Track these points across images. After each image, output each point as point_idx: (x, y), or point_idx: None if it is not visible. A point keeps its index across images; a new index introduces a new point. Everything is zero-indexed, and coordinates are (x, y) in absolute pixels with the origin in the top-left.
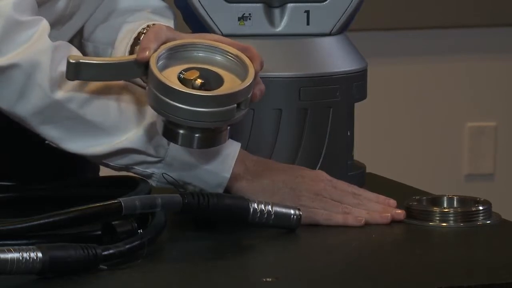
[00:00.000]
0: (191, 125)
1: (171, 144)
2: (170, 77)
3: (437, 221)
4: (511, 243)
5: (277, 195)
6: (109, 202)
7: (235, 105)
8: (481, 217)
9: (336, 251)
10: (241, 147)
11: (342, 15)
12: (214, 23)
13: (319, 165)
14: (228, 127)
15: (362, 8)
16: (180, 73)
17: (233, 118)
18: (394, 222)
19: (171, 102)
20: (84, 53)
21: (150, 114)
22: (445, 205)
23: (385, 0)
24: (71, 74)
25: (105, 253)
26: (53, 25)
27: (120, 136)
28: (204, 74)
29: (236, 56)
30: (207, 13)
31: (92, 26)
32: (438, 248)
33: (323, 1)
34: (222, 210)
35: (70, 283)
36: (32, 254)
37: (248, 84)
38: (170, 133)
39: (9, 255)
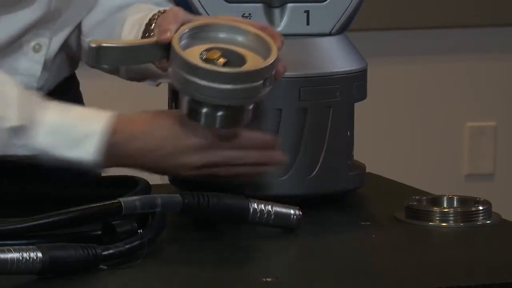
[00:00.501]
0: (217, 102)
1: (34, 139)
2: (193, 57)
3: (437, 221)
4: (511, 243)
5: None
6: (109, 202)
7: (262, 81)
8: (481, 217)
9: (336, 251)
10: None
11: (342, 15)
12: None
13: (319, 165)
14: (251, 106)
15: (362, 8)
16: (201, 53)
17: (259, 95)
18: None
19: (197, 80)
20: (84, 49)
21: (7, 116)
22: (445, 205)
23: (385, 0)
24: (93, 59)
25: (105, 253)
26: (44, 22)
27: None
28: (226, 53)
29: (257, 35)
30: (207, 13)
31: (91, 23)
32: (438, 248)
33: (323, 1)
34: (222, 210)
35: (70, 283)
36: (32, 254)
37: (273, 60)
38: (193, 112)
39: (9, 255)
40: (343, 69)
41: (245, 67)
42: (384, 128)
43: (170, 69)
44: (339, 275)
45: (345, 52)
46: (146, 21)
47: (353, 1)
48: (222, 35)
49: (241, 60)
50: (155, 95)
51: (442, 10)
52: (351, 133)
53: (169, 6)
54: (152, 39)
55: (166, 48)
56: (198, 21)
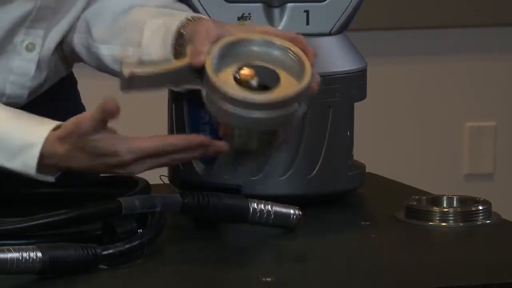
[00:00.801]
0: (253, 128)
1: None
2: (227, 79)
3: (437, 221)
4: (511, 243)
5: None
6: (109, 202)
7: (296, 106)
8: (481, 217)
9: (336, 251)
10: None
11: (342, 15)
12: None
13: (318, 165)
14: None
15: (362, 7)
16: (236, 72)
17: (294, 118)
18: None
19: (231, 108)
20: (96, 56)
21: None
22: (445, 205)
23: (385, 0)
24: (125, 85)
25: (105, 253)
26: (35, 21)
27: None
28: (260, 71)
29: (290, 49)
30: (207, 13)
31: (101, 30)
32: (438, 248)
33: (322, 1)
34: (221, 210)
35: (70, 283)
36: (32, 254)
37: (306, 83)
38: (226, 134)
39: (9, 255)
40: (343, 69)
41: (279, 92)
42: (384, 128)
43: (204, 93)
44: (339, 275)
45: (345, 52)
46: (174, 28)
47: (352, 1)
48: (255, 49)
49: (275, 78)
50: (155, 94)
51: (442, 10)
52: (351, 133)
53: (184, 8)
54: (185, 61)
55: (200, 69)
56: (230, 37)
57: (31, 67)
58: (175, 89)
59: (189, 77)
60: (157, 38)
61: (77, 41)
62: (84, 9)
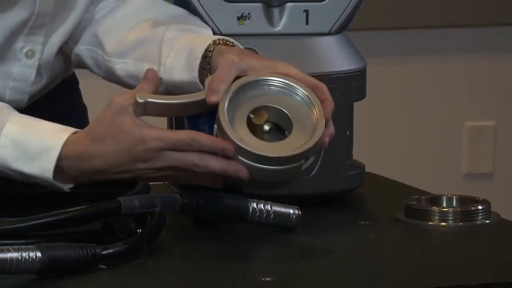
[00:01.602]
0: (258, 179)
1: None
2: (239, 122)
3: (437, 221)
4: (511, 243)
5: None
6: (108, 202)
7: (303, 161)
8: (481, 217)
9: (336, 250)
10: None
11: (341, 14)
12: (213, 22)
13: (318, 164)
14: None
15: (361, 7)
16: (250, 113)
17: (303, 171)
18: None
19: (240, 157)
20: (107, 69)
21: None
22: (444, 205)
23: (385, 0)
24: (138, 111)
25: (104, 252)
26: (34, 28)
27: None
28: (274, 114)
29: (309, 98)
30: (206, 13)
31: (114, 42)
32: (438, 248)
33: (322, 1)
34: (221, 210)
35: (69, 283)
36: (32, 254)
37: (316, 140)
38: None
39: (9, 255)
40: (342, 69)
41: (287, 144)
42: (384, 127)
43: (216, 131)
44: (339, 275)
45: (344, 52)
46: (201, 53)
47: (352, 1)
48: (273, 90)
49: (287, 124)
50: None
51: (441, 10)
52: (350, 133)
53: (202, 28)
54: (200, 96)
55: (213, 107)
56: (250, 77)
57: (31, 73)
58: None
59: (201, 108)
60: (181, 59)
61: (86, 53)
62: (89, 20)
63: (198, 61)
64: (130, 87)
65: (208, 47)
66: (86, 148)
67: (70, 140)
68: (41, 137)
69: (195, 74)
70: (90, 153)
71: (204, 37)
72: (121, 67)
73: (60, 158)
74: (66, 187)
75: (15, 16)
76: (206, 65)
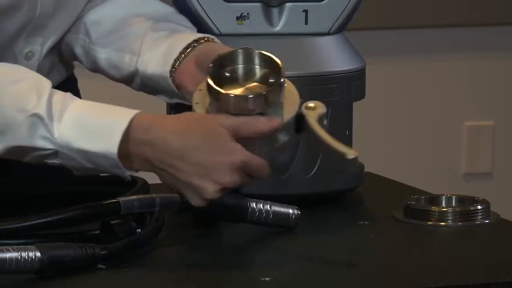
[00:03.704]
0: None
1: (56, 131)
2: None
3: (436, 221)
4: (510, 242)
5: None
6: (107, 202)
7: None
8: (480, 217)
9: (335, 250)
10: None
11: (341, 14)
12: (213, 22)
13: (317, 164)
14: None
15: (361, 7)
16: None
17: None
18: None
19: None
20: (92, 58)
21: (33, 104)
22: (443, 205)
23: (384, 0)
24: None
25: (104, 252)
26: (35, 29)
27: (4, 136)
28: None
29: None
30: (206, 12)
31: (100, 32)
32: (437, 248)
33: (321, 1)
34: (220, 210)
35: (68, 282)
36: (31, 254)
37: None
38: None
39: (8, 254)
40: (341, 69)
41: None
42: (383, 127)
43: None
44: (338, 275)
45: (344, 52)
46: (179, 49)
47: (351, 1)
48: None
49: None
50: (154, 97)
51: (440, 9)
52: (349, 133)
53: (188, 28)
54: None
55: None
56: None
57: None
58: (169, 101)
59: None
60: (159, 53)
61: (76, 41)
62: (83, 11)
63: (174, 56)
64: (113, 78)
65: (187, 45)
66: (153, 119)
67: (138, 115)
68: (106, 115)
69: (168, 68)
70: (157, 120)
71: (186, 35)
72: (104, 56)
73: (126, 134)
74: (129, 172)
75: (17, 19)
76: (180, 62)
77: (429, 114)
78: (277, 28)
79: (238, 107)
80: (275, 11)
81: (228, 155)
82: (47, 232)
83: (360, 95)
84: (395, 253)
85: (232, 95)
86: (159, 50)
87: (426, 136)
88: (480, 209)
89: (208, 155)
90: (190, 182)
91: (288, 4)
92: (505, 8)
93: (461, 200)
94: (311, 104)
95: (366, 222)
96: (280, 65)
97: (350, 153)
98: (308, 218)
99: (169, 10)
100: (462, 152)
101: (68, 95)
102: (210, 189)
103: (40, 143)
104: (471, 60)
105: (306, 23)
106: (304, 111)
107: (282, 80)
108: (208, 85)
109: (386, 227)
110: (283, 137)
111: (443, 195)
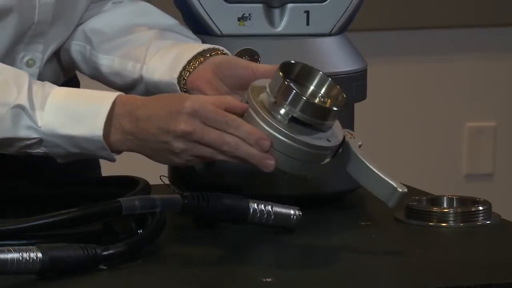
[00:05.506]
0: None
1: (40, 119)
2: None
3: (437, 221)
4: (511, 243)
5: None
6: (109, 202)
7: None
8: (481, 217)
9: (336, 251)
10: None
11: (342, 15)
12: (214, 23)
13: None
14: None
15: (362, 8)
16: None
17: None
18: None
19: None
20: (93, 65)
21: (14, 97)
22: (445, 205)
23: (385, 0)
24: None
25: (105, 253)
26: (35, 36)
27: None
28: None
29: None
30: (207, 13)
31: (102, 40)
32: (438, 249)
33: (323, 1)
34: (221, 210)
35: (69, 283)
36: (32, 254)
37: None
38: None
39: (9, 255)
40: (343, 69)
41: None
42: (384, 128)
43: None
44: (339, 276)
45: (345, 52)
46: (187, 58)
47: (353, 1)
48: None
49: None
50: None
51: (442, 10)
52: None
53: (191, 39)
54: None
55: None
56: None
57: None
58: None
59: None
60: (166, 61)
61: (75, 48)
62: (82, 18)
63: (183, 63)
64: (114, 85)
65: (197, 54)
66: (135, 102)
67: (118, 99)
68: (89, 99)
69: (176, 75)
70: (137, 105)
71: (194, 44)
72: (106, 63)
73: (111, 111)
74: (113, 155)
75: (16, 26)
76: (187, 72)
77: (431, 115)
78: (279, 29)
79: (315, 115)
80: (276, 12)
81: (179, 104)
82: (48, 233)
83: (362, 96)
84: (396, 254)
85: (313, 103)
86: (167, 58)
87: (427, 137)
88: (482, 210)
89: (163, 108)
90: (157, 140)
91: (289, 5)
92: (507, 9)
93: (463, 201)
94: (351, 132)
95: (368, 223)
96: (344, 96)
97: (401, 188)
98: (309, 219)
99: (173, 22)
100: (464, 153)
101: (47, 83)
102: (174, 143)
103: (25, 133)
104: (473, 61)
105: (307, 24)
106: (347, 138)
107: (343, 105)
108: (289, 87)
109: (387, 228)
110: (328, 158)
111: (445, 196)
